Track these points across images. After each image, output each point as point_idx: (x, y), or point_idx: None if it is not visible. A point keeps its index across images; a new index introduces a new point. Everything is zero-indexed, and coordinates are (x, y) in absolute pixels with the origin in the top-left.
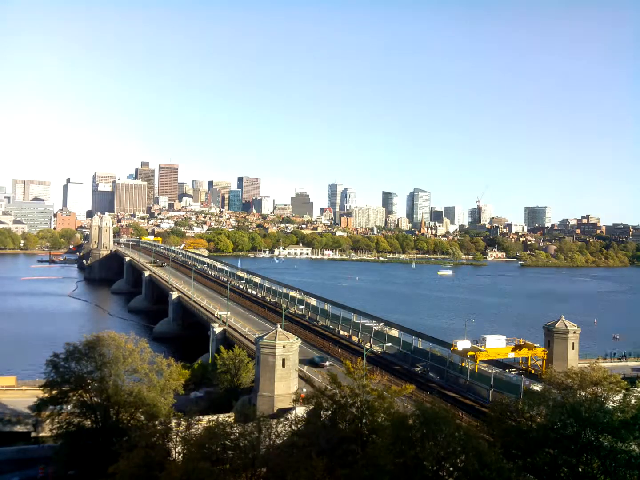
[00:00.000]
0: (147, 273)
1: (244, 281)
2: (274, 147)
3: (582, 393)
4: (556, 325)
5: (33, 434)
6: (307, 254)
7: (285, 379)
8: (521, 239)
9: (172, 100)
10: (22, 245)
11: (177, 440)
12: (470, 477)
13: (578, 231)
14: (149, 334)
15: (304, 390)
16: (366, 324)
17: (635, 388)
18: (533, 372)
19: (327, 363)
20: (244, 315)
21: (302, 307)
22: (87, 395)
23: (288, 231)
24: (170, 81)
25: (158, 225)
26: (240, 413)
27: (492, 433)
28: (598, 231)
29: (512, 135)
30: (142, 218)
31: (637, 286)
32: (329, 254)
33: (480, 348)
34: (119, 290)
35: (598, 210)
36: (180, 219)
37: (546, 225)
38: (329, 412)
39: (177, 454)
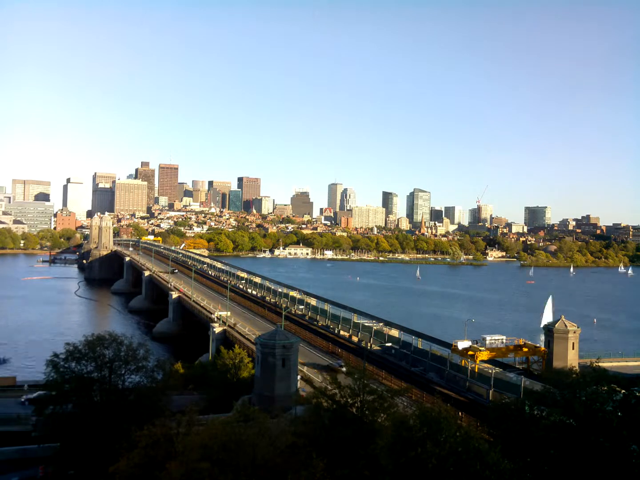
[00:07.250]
0: (147, 273)
1: (244, 281)
2: (274, 147)
3: (582, 393)
4: (556, 325)
5: (33, 434)
6: (307, 254)
7: (285, 379)
8: (521, 239)
9: (172, 100)
10: (22, 245)
11: (177, 440)
12: (470, 477)
13: (578, 231)
14: (149, 333)
15: (304, 390)
16: (366, 324)
17: (636, 388)
18: (533, 372)
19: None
20: (244, 315)
21: (302, 307)
22: (87, 395)
23: (288, 231)
24: (170, 81)
25: (158, 225)
26: (240, 413)
27: (492, 433)
28: (598, 231)
29: (512, 135)
30: (142, 218)
31: None
32: (329, 254)
33: (480, 348)
34: (119, 290)
35: (598, 210)
36: (180, 219)
37: (546, 225)
38: (329, 412)
39: (177, 454)
